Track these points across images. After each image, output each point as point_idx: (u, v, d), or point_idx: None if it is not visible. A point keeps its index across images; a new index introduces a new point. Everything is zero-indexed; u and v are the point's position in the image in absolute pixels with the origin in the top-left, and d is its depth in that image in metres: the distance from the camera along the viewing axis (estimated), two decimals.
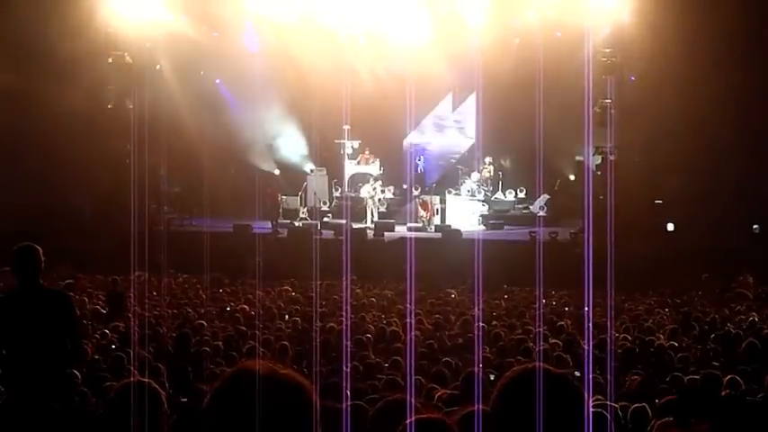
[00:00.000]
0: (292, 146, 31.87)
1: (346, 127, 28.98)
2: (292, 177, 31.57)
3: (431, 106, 32.26)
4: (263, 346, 12.55)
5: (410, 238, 25.53)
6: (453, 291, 21.04)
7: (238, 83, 30.77)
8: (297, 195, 30.45)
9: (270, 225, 28.41)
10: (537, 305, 18.44)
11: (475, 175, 30.01)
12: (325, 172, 30.97)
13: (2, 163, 27.58)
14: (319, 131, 29.98)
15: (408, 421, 3.26)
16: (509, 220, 29.58)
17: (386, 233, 27.57)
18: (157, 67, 29.01)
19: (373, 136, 30.19)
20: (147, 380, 5.13)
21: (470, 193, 29.61)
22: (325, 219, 29.01)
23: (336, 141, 30.11)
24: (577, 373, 9.86)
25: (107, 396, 5.95)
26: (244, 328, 14.37)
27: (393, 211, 30.08)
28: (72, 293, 17.99)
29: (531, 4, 28.94)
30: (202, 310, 16.81)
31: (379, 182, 29.69)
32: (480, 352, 11.28)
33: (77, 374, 7.02)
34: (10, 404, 6.71)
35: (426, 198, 29.44)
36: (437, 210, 29.18)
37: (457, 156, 32.84)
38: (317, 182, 30.50)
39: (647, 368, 11.22)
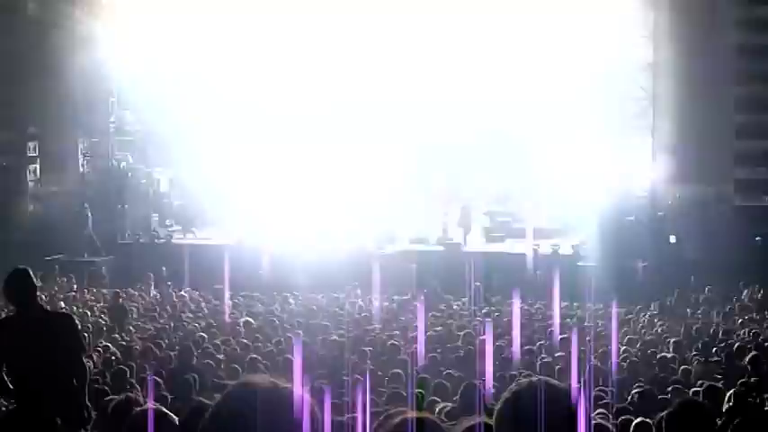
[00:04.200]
0: None
1: None
2: None
3: None
4: (266, 358, 12.55)
5: (412, 251, 25.53)
6: (455, 303, 20.99)
7: (241, 93, 30.67)
8: None
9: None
10: (539, 318, 18.45)
11: None
12: None
13: (5, 176, 27.66)
14: None
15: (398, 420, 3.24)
16: (511, 233, 29.45)
17: (388, 245, 27.48)
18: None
19: None
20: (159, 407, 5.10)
21: None
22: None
23: None
24: (579, 386, 9.83)
25: (107, 410, 5.93)
26: (246, 341, 14.38)
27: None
28: (74, 306, 18.08)
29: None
30: (204, 323, 16.80)
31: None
32: (483, 365, 11.26)
33: (84, 389, 6.98)
34: (14, 416, 6.67)
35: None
36: None
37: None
38: None
39: (650, 381, 11.19)
